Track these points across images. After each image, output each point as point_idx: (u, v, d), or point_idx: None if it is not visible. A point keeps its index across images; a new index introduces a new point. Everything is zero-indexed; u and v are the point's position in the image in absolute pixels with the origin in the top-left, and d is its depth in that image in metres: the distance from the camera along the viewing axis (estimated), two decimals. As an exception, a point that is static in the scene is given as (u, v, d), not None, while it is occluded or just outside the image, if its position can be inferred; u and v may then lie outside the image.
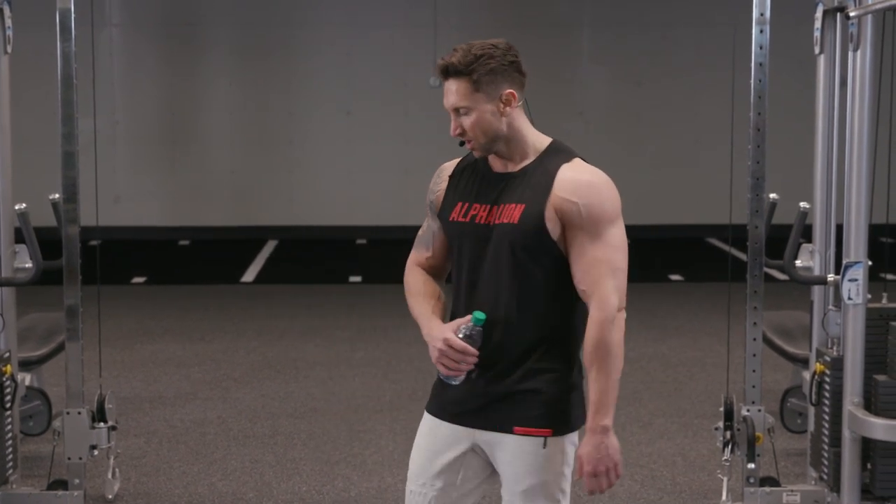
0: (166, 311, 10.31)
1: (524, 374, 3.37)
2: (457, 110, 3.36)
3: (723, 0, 13.60)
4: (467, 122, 3.36)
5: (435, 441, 3.51)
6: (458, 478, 3.48)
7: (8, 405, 5.30)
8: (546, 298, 3.36)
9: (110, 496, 5.78)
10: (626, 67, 14.42)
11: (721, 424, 5.46)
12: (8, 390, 5.29)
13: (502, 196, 3.38)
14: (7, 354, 5.35)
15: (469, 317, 3.36)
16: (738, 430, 5.40)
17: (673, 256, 13.27)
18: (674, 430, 6.91)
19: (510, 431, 3.38)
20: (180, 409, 7.32)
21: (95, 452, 5.56)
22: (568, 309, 3.38)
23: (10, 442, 5.40)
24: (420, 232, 3.62)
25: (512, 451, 3.39)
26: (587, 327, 3.30)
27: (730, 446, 5.43)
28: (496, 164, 3.44)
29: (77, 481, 5.52)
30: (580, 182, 3.31)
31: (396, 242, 13.98)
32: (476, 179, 3.46)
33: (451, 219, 3.46)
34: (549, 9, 14.40)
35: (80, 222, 5.47)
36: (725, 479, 5.48)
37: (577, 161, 3.36)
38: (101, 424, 5.56)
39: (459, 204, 3.45)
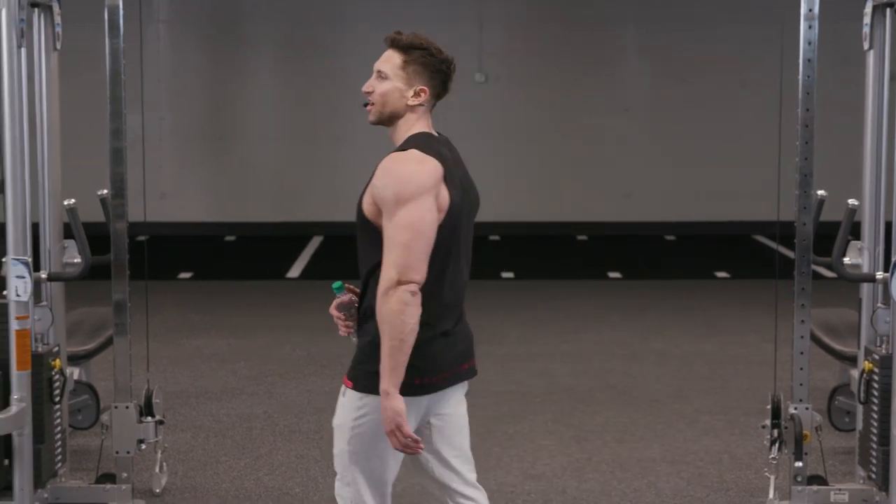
0: (212, 307, 10.36)
1: (360, 336, 3.84)
2: (379, 73, 3.76)
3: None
4: (380, 87, 3.76)
5: None
6: None
7: (57, 399, 5.34)
8: (378, 271, 3.67)
9: (158, 490, 5.82)
10: (670, 63, 14.36)
11: (768, 422, 5.43)
12: (57, 384, 5.33)
13: None
14: (56, 349, 5.39)
15: None
16: (786, 428, 5.37)
17: (718, 254, 13.21)
18: (720, 428, 6.88)
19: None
20: (226, 404, 7.36)
21: (143, 446, 5.60)
22: None
23: (59, 436, 5.44)
24: None
25: None
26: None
27: (777, 444, 5.40)
28: None
29: (125, 475, 5.56)
30: (385, 167, 3.71)
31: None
32: None
33: None
34: (594, 4, 14.36)
35: (127, 218, 5.51)
36: (773, 477, 5.45)
37: (407, 152, 3.72)
38: (149, 419, 5.60)
39: None
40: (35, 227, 5.32)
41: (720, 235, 14.09)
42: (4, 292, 5.05)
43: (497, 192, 14.34)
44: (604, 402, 7.41)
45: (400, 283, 3.58)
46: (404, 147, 3.74)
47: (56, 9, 5.45)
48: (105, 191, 5.53)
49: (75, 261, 5.55)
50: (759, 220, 13.70)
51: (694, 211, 14.33)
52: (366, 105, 3.82)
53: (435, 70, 3.77)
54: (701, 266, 12.39)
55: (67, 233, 5.57)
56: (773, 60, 5.77)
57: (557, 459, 6.36)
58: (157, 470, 5.84)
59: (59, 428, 5.44)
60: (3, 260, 5.06)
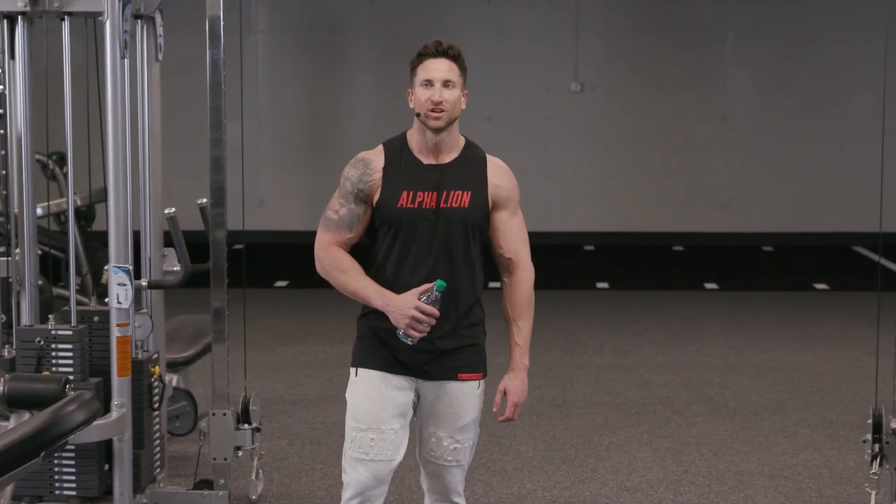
0: (308, 315, 10.43)
1: (465, 329, 4.10)
2: (446, 82, 3.98)
3: (869, 2, 13.32)
4: (450, 95, 3.99)
5: (388, 391, 4.19)
6: (408, 419, 4.19)
7: (156, 405, 5.41)
8: (478, 267, 4.12)
9: (254, 497, 5.86)
10: (770, 72, 14.20)
11: (869, 437, 5.34)
12: (156, 391, 5.40)
13: (443, 184, 4.03)
14: (155, 356, 5.46)
15: (430, 285, 3.95)
16: (888, 442, 5.27)
17: (818, 265, 13.03)
18: (820, 441, 6.78)
19: (455, 378, 4.10)
20: (322, 412, 7.39)
21: (240, 453, 5.64)
22: (482, 275, 4.15)
23: (157, 441, 5.50)
24: (334, 216, 4.17)
25: (453, 394, 4.12)
26: (518, 286, 4.13)
27: (878, 459, 5.30)
28: (425, 158, 4.08)
29: (222, 481, 5.61)
30: (504, 172, 4.16)
31: (537, 248, 13.98)
32: (411, 171, 4.07)
33: (398, 205, 4.04)
34: (691, 13, 14.24)
35: (226, 226, 5.56)
36: (874, 493, 5.36)
37: (487, 155, 4.15)
38: (246, 426, 5.64)
39: (405, 192, 4.04)
40: (136, 236, 5.40)
41: (820, 246, 13.90)
42: (106, 300, 5.13)
43: (592, 201, 14.30)
44: (701, 414, 7.34)
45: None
46: (481, 151, 4.15)
47: (158, 20, 5.52)
48: (205, 199, 5.60)
49: (175, 269, 5.62)
50: (860, 231, 13.49)
51: (793, 221, 14.16)
52: (418, 115, 4.03)
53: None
54: (800, 277, 12.23)
55: (168, 241, 5.63)
56: (876, 69, 5.69)
57: (653, 471, 6.31)
58: (253, 477, 5.89)
59: (157, 434, 5.50)
60: (106, 268, 5.14)
